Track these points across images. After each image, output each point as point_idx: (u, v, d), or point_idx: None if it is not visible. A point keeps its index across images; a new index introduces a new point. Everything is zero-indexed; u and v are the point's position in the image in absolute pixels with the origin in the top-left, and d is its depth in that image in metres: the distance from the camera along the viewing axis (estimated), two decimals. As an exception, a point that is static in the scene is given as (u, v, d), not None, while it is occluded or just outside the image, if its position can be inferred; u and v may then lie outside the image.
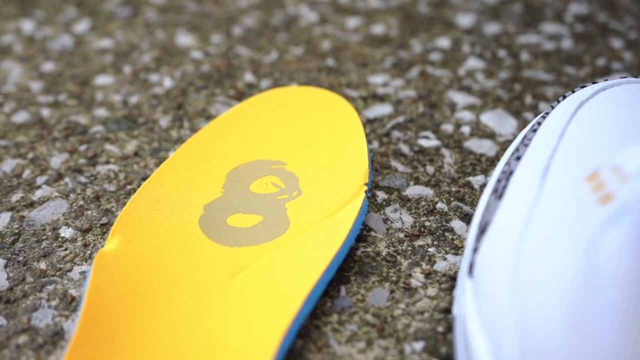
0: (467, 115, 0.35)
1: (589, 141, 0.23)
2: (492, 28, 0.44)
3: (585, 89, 0.27)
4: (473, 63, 0.40)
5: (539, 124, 0.26)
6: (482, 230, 0.23)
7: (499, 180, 0.25)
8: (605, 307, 0.15)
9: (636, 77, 0.27)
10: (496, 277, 0.21)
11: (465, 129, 0.34)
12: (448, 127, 0.34)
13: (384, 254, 0.27)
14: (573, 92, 0.27)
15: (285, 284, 0.24)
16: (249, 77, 0.39)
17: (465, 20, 0.45)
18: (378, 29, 0.44)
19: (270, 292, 0.24)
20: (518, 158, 0.25)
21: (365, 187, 0.28)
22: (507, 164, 0.25)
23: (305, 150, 0.31)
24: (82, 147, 0.33)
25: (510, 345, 0.18)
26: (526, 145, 0.25)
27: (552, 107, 0.27)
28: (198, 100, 0.37)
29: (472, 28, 0.44)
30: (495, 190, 0.24)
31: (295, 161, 0.30)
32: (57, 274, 0.26)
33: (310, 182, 0.29)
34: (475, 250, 0.23)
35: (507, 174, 0.24)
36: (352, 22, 0.45)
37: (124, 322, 0.23)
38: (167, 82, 0.38)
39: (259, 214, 0.28)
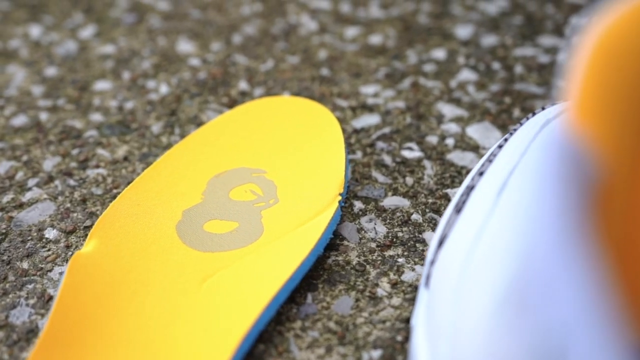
0: (452, 128, 0.36)
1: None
2: (489, 40, 0.44)
3: (555, 106, 0.27)
4: (466, 75, 0.40)
5: (506, 140, 0.26)
6: (440, 243, 0.24)
7: (462, 195, 0.25)
8: (526, 328, 0.16)
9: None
10: (444, 289, 0.21)
11: (450, 141, 0.35)
12: (433, 139, 0.35)
13: (354, 263, 0.28)
14: (543, 109, 0.27)
15: (250, 290, 0.25)
16: (243, 85, 0.39)
17: (464, 31, 0.45)
18: (376, 39, 0.44)
19: (235, 297, 0.25)
20: (481, 174, 0.25)
21: (340, 198, 0.29)
22: (472, 179, 0.26)
23: (286, 159, 0.32)
24: (75, 151, 0.34)
25: (442, 357, 0.18)
26: (490, 161, 0.25)
27: (521, 124, 0.27)
28: (191, 107, 0.38)
29: (470, 40, 0.44)
30: (456, 205, 0.25)
31: (276, 170, 0.31)
32: (38, 273, 0.28)
33: (287, 190, 0.30)
34: (432, 262, 0.24)
35: (469, 189, 0.25)
36: (351, 31, 0.45)
37: (93, 322, 0.24)
38: (163, 89, 0.39)
39: (235, 220, 0.29)
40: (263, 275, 0.26)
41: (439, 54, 0.43)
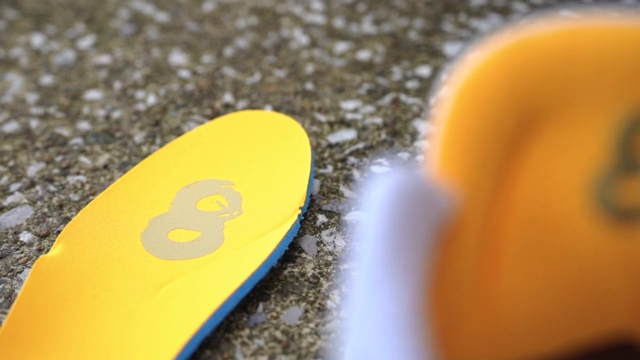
0: (425, 145, 0.37)
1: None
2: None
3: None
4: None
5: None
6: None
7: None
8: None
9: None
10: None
11: (421, 158, 0.36)
12: (404, 155, 0.36)
13: (308, 275, 0.29)
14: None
15: (200, 297, 0.26)
16: (228, 97, 0.41)
17: (452, 48, 0.46)
18: (364, 55, 0.45)
19: (186, 304, 0.26)
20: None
21: (299, 212, 0.30)
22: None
23: (254, 172, 0.33)
24: (59, 158, 0.36)
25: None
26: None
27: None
28: (175, 118, 0.39)
29: (458, 57, 0.45)
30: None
31: (243, 182, 0.32)
32: (9, 274, 0.29)
33: (252, 202, 0.31)
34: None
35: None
36: (341, 47, 0.46)
37: (50, 323, 0.26)
38: (151, 99, 0.41)
39: (199, 230, 0.30)
40: (215, 283, 0.27)
41: (424, 70, 0.43)
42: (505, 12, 0.51)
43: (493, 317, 0.14)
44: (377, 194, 0.12)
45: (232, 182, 0.32)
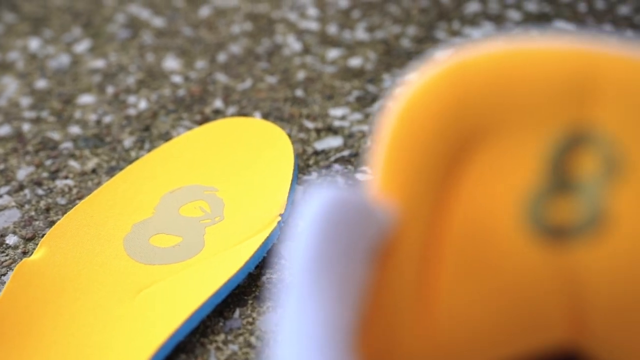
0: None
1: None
2: (466, 66, 0.45)
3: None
4: (435, 101, 0.41)
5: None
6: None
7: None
8: None
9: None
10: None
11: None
12: (388, 163, 0.36)
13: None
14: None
15: (177, 302, 0.27)
16: (218, 103, 0.41)
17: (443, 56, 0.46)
18: (355, 62, 0.46)
19: (163, 308, 0.27)
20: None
21: (280, 218, 0.30)
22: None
23: (237, 178, 0.33)
24: (48, 162, 0.36)
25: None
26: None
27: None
28: (165, 123, 0.40)
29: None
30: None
31: (227, 188, 0.33)
32: (-7, 277, 0.30)
33: (234, 209, 0.32)
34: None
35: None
36: (333, 53, 0.47)
37: (29, 325, 0.26)
38: (142, 104, 0.41)
39: (180, 235, 0.31)
40: (192, 289, 0.27)
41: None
42: (499, 20, 0.51)
43: (432, 333, 0.14)
44: (311, 209, 0.13)
45: (215, 188, 0.33)
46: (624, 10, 0.52)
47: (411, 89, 0.15)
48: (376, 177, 0.15)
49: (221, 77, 0.44)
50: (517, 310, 0.14)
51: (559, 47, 0.14)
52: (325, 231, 0.13)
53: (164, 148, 0.35)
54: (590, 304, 0.14)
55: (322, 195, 0.13)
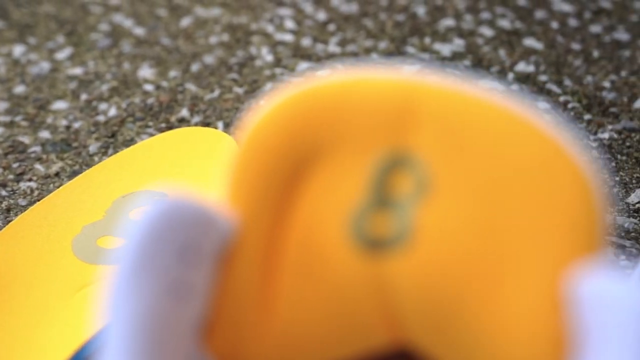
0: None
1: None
2: (430, 81, 0.46)
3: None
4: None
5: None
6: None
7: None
8: None
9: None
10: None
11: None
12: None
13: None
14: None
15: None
16: (184, 112, 0.43)
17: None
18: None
19: (96, 306, 0.28)
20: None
21: (220, 224, 0.32)
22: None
23: (187, 186, 0.35)
24: (15, 165, 0.38)
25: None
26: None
27: None
28: (131, 130, 0.41)
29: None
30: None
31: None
32: (-51, 272, 0.32)
33: (180, 214, 0.33)
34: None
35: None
36: (303, 66, 0.48)
37: (-28, 319, 0.28)
38: (112, 111, 0.43)
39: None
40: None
41: (378, 92, 0.45)
42: (470, 36, 0.52)
43: (273, 334, 0.16)
44: (147, 212, 0.14)
45: (165, 194, 0.35)
46: (595, 28, 0.53)
47: (261, 112, 0.16)
48: (224, 188, 0.16)
49: (191, 87, 0.46)
50: (342, 314, 0.16)
51: (386, 78, 0.15)
52: (156, 231, 0.14)
53: (123, 154, 0.37)
54: (402, 306, 0.15)
55: (161, 201, 0.15)
